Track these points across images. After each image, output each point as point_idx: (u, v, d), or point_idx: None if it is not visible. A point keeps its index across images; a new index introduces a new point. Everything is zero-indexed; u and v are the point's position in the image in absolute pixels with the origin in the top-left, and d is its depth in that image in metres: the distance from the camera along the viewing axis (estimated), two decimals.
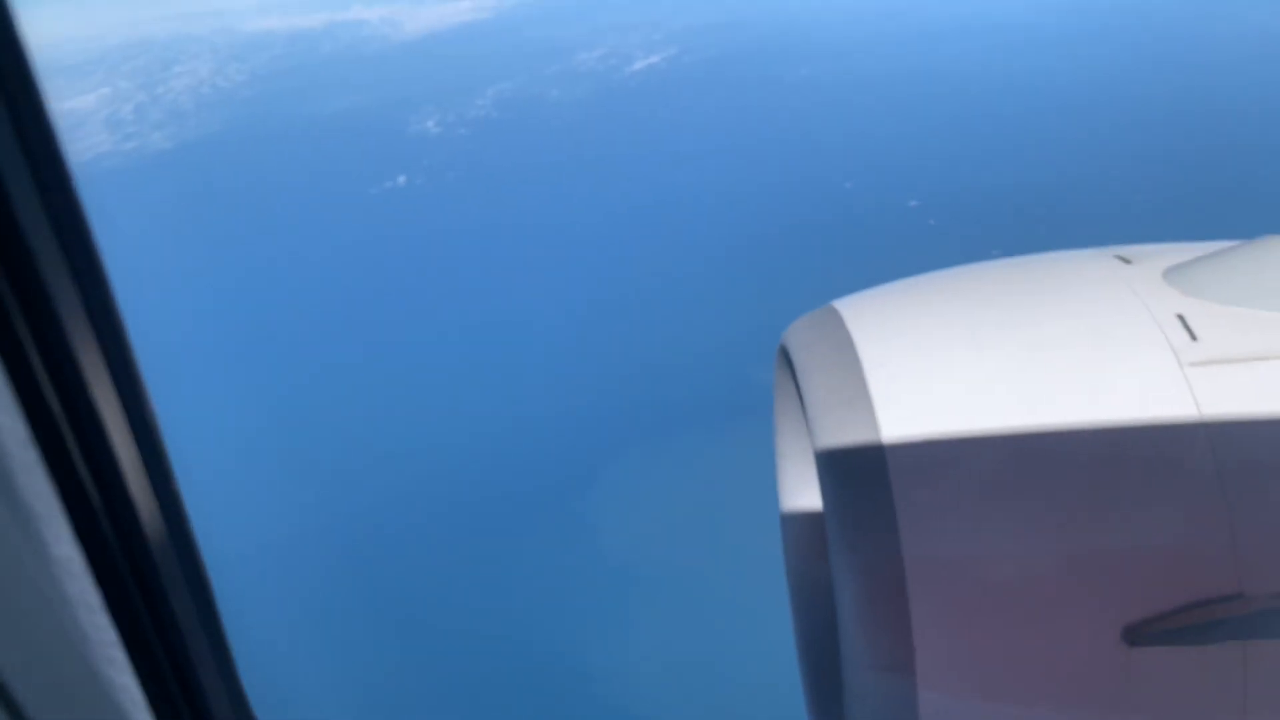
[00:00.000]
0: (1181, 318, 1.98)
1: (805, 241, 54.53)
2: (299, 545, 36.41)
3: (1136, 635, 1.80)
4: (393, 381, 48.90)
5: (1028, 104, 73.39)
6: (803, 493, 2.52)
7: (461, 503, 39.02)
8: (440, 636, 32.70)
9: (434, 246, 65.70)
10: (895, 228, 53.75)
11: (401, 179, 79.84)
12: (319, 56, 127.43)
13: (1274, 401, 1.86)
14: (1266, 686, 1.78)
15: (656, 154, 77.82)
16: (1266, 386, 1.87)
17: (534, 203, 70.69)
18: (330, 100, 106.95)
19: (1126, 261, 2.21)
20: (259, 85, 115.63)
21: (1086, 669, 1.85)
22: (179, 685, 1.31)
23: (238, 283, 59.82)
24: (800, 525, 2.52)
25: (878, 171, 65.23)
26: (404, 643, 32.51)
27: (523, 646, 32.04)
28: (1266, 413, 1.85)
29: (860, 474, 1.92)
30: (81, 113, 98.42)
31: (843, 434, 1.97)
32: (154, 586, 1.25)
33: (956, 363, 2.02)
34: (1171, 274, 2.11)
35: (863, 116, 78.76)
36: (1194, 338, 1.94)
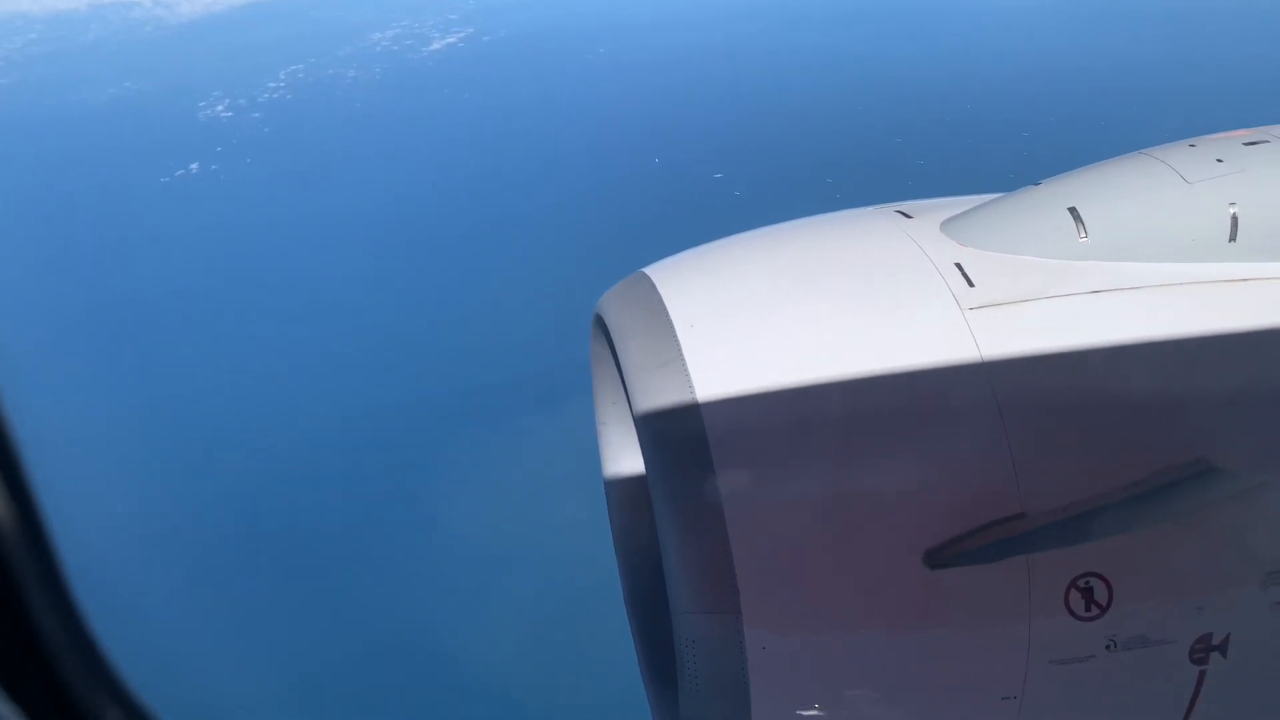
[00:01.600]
0: (959, 266, 2.15)
1: (616, 216, 55.75)
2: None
3: (936, 559, 1.95)
4: (192, 375, 46.67)
5: (819, 78, 77.65)
6: (624, 457, 2.61)
7: (281, 490, 37.98)
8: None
9: (233, 234, 62.57)
10: (703, 199, 55.91)
11: (194, 166, 75.14)
12: (85, 41, 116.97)
13: (1043, 338, 2.05)
14: (1046, 592, 1.95)
15: (460, 134, 76.88)
16: (1036, 325, 2.06)
17: (335, 185, 68.40)
18: (105, 87, 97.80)
19: (907, 216, 2.37)
20: (15, 72, 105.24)
21: (896, 594, 2.01)
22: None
23: (31, 283, 54.96)
24: (623, 488, 2.62)
25: (683, 146, 67.27)
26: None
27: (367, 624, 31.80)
28: (1037, 349, 2.03)
29: (678, 432, 2.02)
30: None
31: (660, 396, 2.05)
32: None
33: (761, 319, 2.14)
34: (948, 225, 2.29)
35: (664, 93, 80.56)
36: (971, 284, 2.11)
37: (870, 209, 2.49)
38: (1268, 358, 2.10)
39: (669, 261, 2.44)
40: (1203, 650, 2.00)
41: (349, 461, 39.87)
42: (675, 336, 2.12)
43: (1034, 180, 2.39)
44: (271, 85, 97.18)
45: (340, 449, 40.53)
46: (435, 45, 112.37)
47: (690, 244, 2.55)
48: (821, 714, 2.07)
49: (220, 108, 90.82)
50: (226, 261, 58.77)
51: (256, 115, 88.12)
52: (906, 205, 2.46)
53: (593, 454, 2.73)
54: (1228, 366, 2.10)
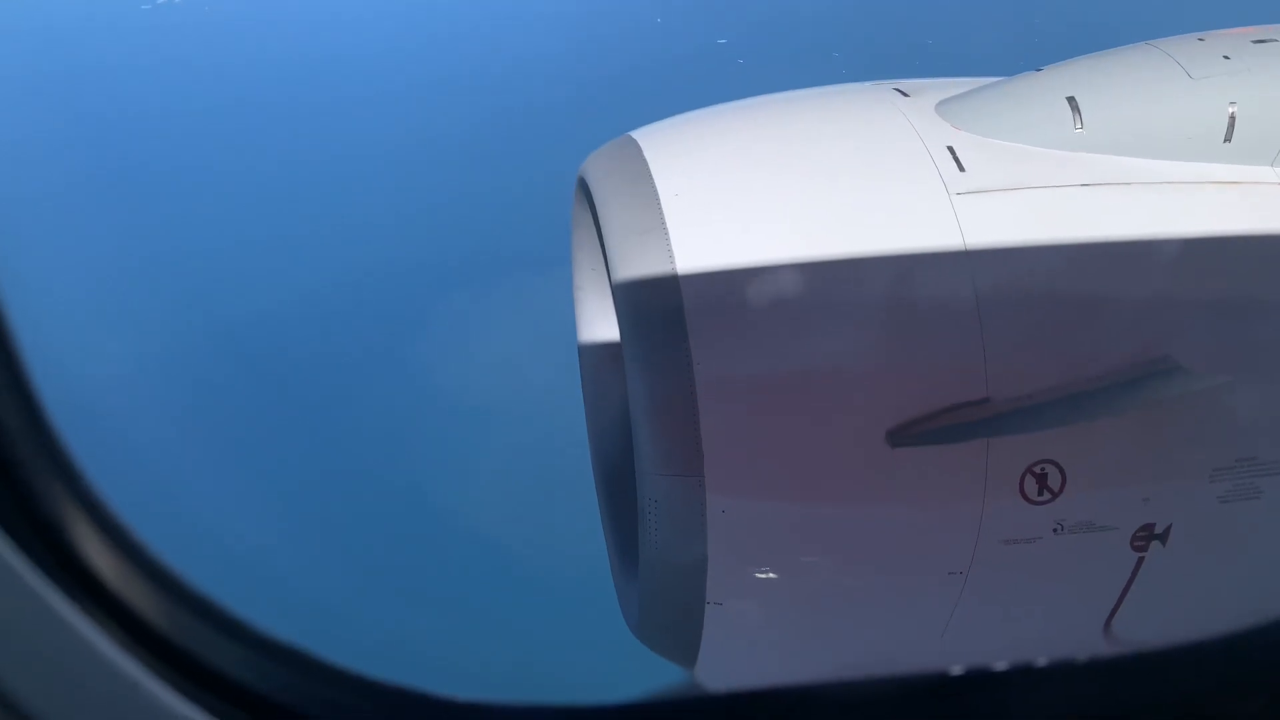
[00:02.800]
0: (951, 149, 2.12)
1: (611, 74, 54.15)
2: None
3: (899, 437, 1.97)
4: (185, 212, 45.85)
5: None
6: (600, 324, 2.60)
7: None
8: None
9: (224, 67, 60.43)
10: (704, 65, 54.37)
11: None
12: None
13: (1027, 229, 2.05)
14: (1001, 476, 1.99)
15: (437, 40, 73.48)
16: (1022, 214, 2.06)
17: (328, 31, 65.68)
18: None
19: (905, 95, 2.33)
20: None
21: (856, 468, 2.04)
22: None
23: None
24: (598, 354, 2.63)
25: (688, 6, 64.99)
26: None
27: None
28: (1020, 239, 2.03)
29: (655, 302, 2.01)
30: None
31: (639, 264, 2.04)
32: None
33: (746, 193, 2.13)
34: (943, 107, 2.26)
35: None
36: (961, 168, 2.09)
37: (868, 84, 2.46)
38: (1244, 264, 2.13)
39: (658, 126, 2.39)
40: (1144, 538, 2.08)
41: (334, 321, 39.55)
42: (659, 205, 2.09)
43: (1037, 66, 2.35)
44: None
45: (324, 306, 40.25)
46: None
47: (686, 110, 2.50)
48: (775, 577, 2.16)
49: None
50: (220, 94, 56.66)
51: None
52: (905, 84, 2.42)
53: (569, 319, 2.72)
54: (1204, 270, 2.12)
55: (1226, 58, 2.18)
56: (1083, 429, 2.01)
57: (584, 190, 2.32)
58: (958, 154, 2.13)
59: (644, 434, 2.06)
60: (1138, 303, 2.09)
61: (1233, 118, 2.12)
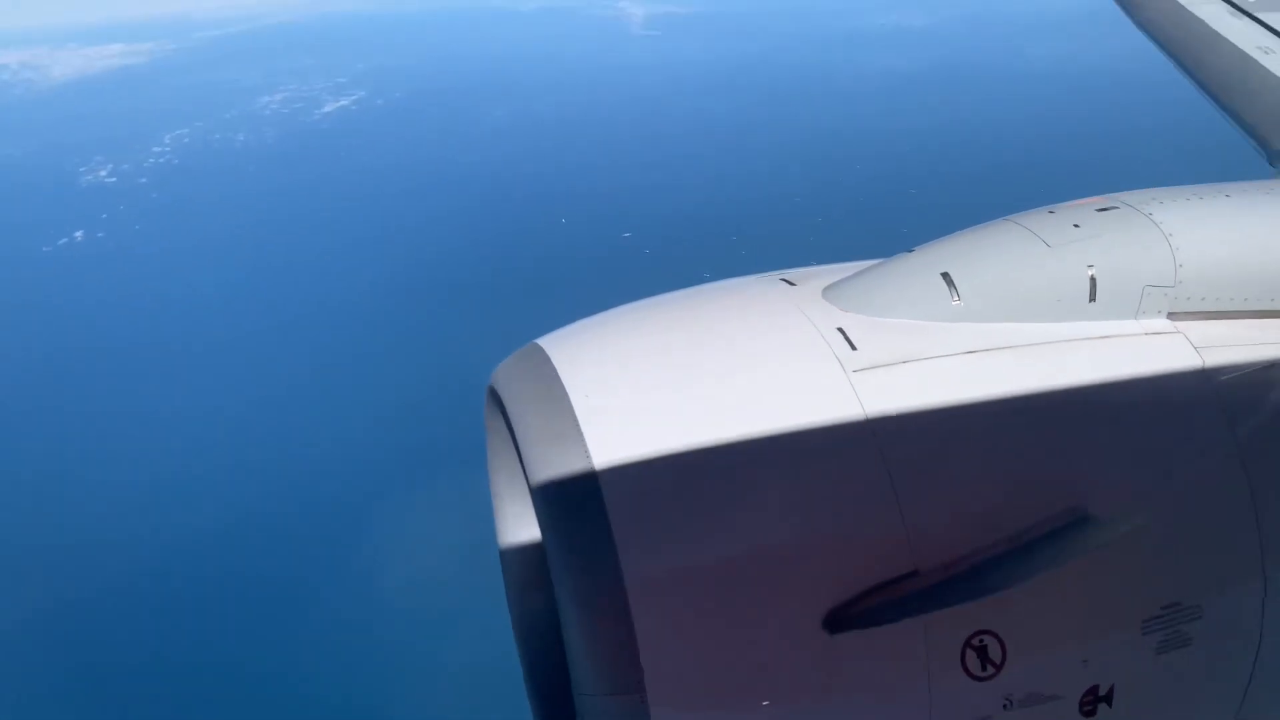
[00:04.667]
0: (842, 330, 2.23)
1: (528, 277, 55.76)
2: None
3: (835, 623, 1.96)
4: (86, 454, 44.68)
5: (722, 142, 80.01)
6: (521, 529, 2.59)
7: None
8: None
9: (125, 301, 60.29)
10: (613, 259, 56.47)
11: (78, 234, 72.66)
12: None
13: (923, 397, 2.13)
14: (942, 653, 1.99)
15: (359, 196, 76.10)
16: (916, 385, 2.14)
17: (230, 250, 66.72)
18: None
19: (791, 284, 2.45)
20: None
21: (798, 662, 2.00)
22: None
23: None
24: (521, 559, 2.60)
25: (590, 205, 68.24)
26: None
27: None
28: (918, 407, 2.11)
29: (576, 501, 2.01)
30: None
31: (556, 465, 2.04)
32: None
33: (655, 388, 2.16)
34: (829, 292, 2.37)
35: (567, 153, 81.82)
36: (854, 347, 2.18)
37: (756, 277, 2.57)
38: (1130, 408, 2.22)
39: (562, 332, 2.44)
40: (1091, 702, 2.06)
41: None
42: (571, 407, 2.11)
43: (908, 246, 2.50)
44: (157, 150, 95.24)
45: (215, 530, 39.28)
46: (328, 108, 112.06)
47: (599, 303, 2.59)
48: None
49: (103, 173, 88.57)
50: (116, 330, 56.52)
51: (143, 180, 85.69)
52: (791, 273, 2.54)
53: (489, 529, 2.69)
54: (1094, 418, 2.20)
55: (1077, 226, 2.37)
56: (1011, 594, 2.00)
57: (494, 400, 2.33)
58: (849, 335, 2.23)
59: (578, 650, 1.99)
60: (1038, 458, 2.14)
61: (1093, 279, 2.28)
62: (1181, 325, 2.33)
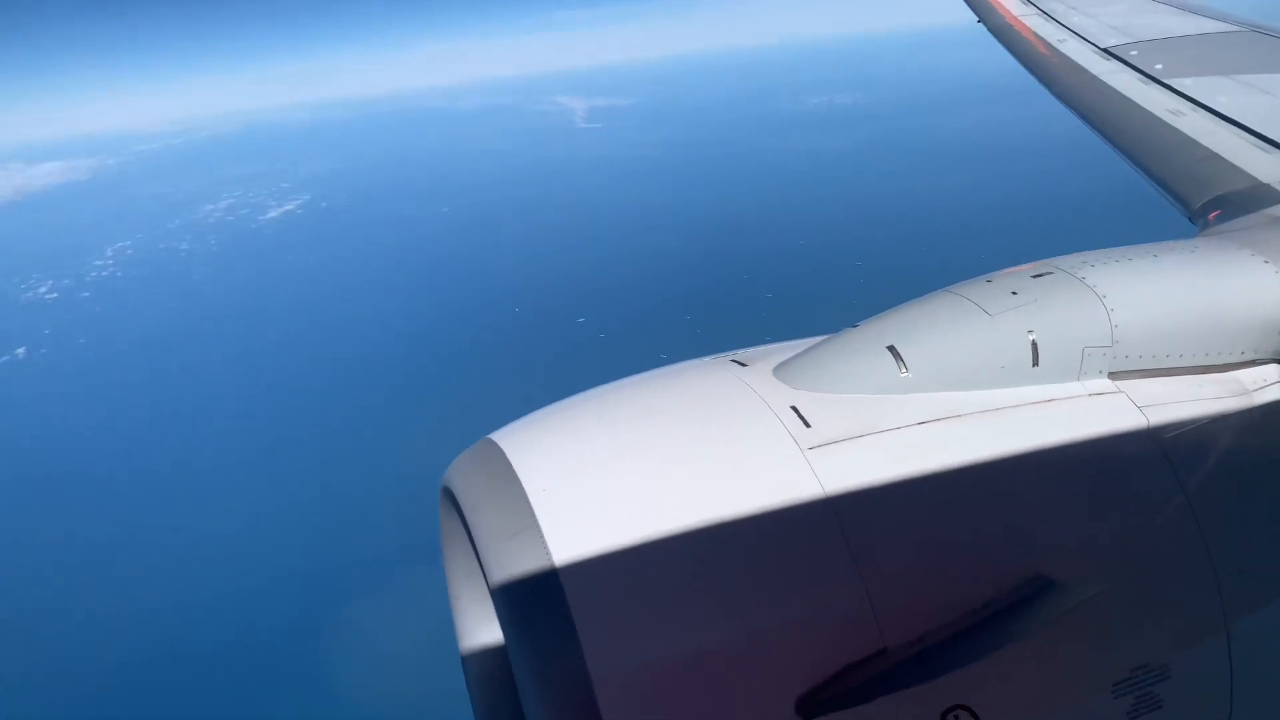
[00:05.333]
0: (795, 408, 2.22)
1: (487, 363, 55.71)
2: None
3: (808, 707, 1.92)
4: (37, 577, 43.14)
5: (669, 225, 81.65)
6: (482, 630, 2.53)
7: None
8: None
9: (69, 419, 58.93)
10: (568, 343, 56.76)
11: (20, 351, 71.25)
12: None
13: (880, 470, 2.11)
14: None
15: (308, 298, 75.84)
16: (872, 458, 2.13)
17: (178, 361, 65.84)
18: None
19: (742, 364, 2.45)
20: None
21: None
22: None
23: None
24: (483, 662, 2.54)
25: (544, 293, 68.65)
26: None
27: None
28: (875, 481, 2.09)
29: (538, 599, 1.97)
30: None
31: (516, 564, 2.00)
32: None
33: (612, 478, 2.13)
34: (780, 371, 2.37)
35: (518, 243, 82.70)
36: (808, 425, 2.18)
37: (707, 359, 2.57)
38: (1081, 469, 2.23)
39: (515, 426, 2.40)
40: None
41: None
42: (528, 502, 2.07)
43: (852, 322, 2.53)
44: (99, 263, 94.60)
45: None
46: (272, 213, 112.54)
47: (558, 388, 2.59)
48: None
49: (43, 289, 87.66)
50: (62, 448, 55.08)
51: (86, 294, 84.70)
52: (740, 354, 2.56)
53: (447, 631, 2.65)
54: (1047, 481, 2.21)
55: (1014, 293, 2.41)
56: (981, 666, 1.96)
57: (449, 498, 2.28)
58: (801, 412, 2.22)
59: None
60: (996, 526, 2.13)
61: (1034, 344, 2.32)
62: (1123, 384, 2.37)
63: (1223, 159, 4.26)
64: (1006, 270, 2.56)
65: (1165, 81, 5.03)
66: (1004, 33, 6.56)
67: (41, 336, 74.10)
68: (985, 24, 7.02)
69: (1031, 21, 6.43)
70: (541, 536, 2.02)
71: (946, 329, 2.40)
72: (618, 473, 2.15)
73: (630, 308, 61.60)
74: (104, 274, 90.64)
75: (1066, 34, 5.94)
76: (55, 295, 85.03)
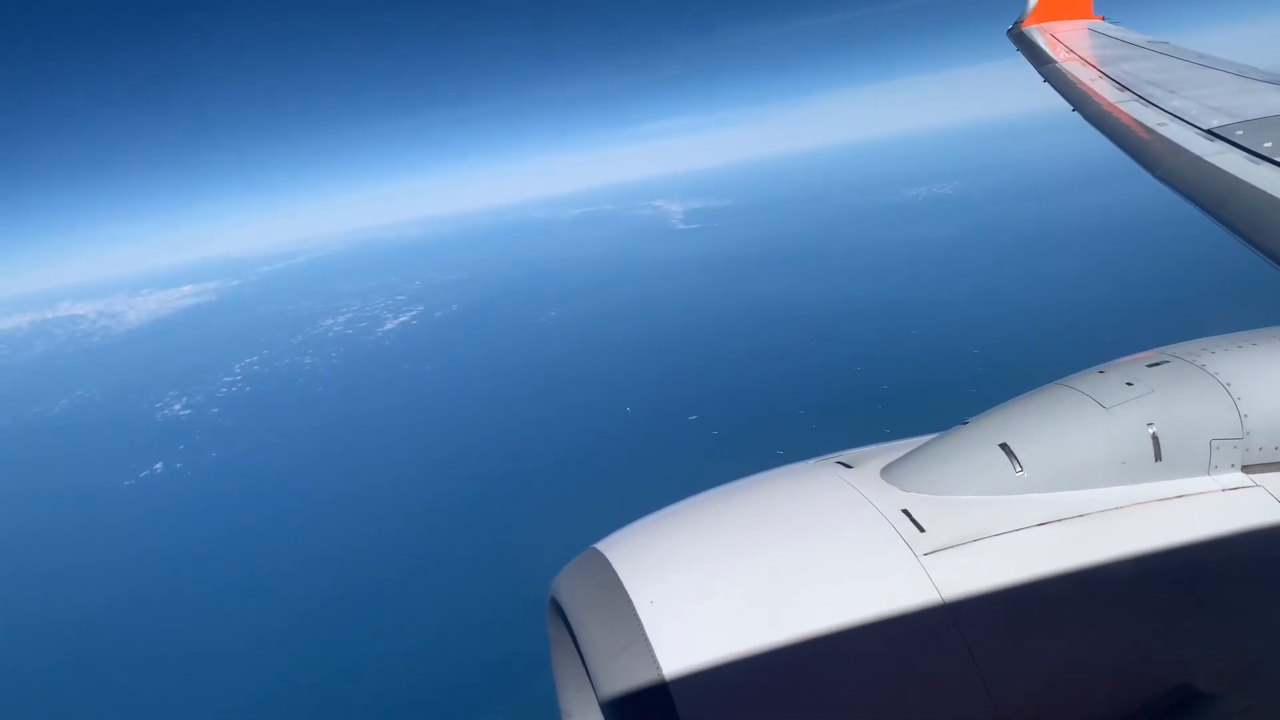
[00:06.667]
0: (907, 512, 2.18)
1: (600, 463, 55.85)
2: None
3: None
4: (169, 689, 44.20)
5: (775, 320, 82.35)
6: None
7: None
8: None
9: (207, 530, 61.24)
10: (680, 442, 56.64)
11: (158, 466, 74.79)
12: (31, 356, 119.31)
13: (999, 575, 2.05)
14: None
15: (426, 405, 78.05)
16: (991, 563, 2.07)
17: (308, 472, 68.13)
18: (57, 398, 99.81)
19: (848, 466, 2.42)
20: None
21: None
22: None
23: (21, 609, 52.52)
24: None
25: (653, 390, 69.10)
26: None
27: None
28: (996, 586, 2.03)
29: (649, 716, 1.93)
30: None
31: (625, 679, 1.97)
32: None
33: (721, 588, 2.08)
34: (888, 473, 2.33)
35: (626, 344, 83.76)
36: (921, 529, 2.13)
37: (812, 462, 2.55)
38: (1224, 572, 2.11)
39: (620, 535, 2.39)
40: None
41: None
42: (636, 615, 2.06)
43: (962, 419, 2.48)
44: (228, 380, 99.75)
45: None
46: (389, 325, 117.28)
47: (665, 489, 2.57)
48: None
49: (178, 406, 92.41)
50: (199, 561, 57.06)
51: (216, 410, 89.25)
52: (845, 455, 2.53)
53: None
54: (1188, 584, 2.09)
55: (1130, 384, 2.34)
56: None
57: (556, 610, 2.28)
58: (914, 515, 2.18)
59: None
60: (1132, 630, 2.03)
61: (1155, 437, 2.23)
62: (1258, 478, 2.26)
63: None
64: (1120, 360, 2.50)
65: (1276, 160, 4.89)
66: (1101, 119, 6.52)
67: (176, 452, 77.84)
68: (1080, 112, 6.99)
69: (1129, 107, 6.38)
70: (651, 651, 2.00)
71: (1061, 424, 2.33)
72: (725, 584, 2.12)
73: (741, 404, 61.33)
74: (233, 390, 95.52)
75: (1167, 118, 5.86)
76: (189, 412, 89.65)
